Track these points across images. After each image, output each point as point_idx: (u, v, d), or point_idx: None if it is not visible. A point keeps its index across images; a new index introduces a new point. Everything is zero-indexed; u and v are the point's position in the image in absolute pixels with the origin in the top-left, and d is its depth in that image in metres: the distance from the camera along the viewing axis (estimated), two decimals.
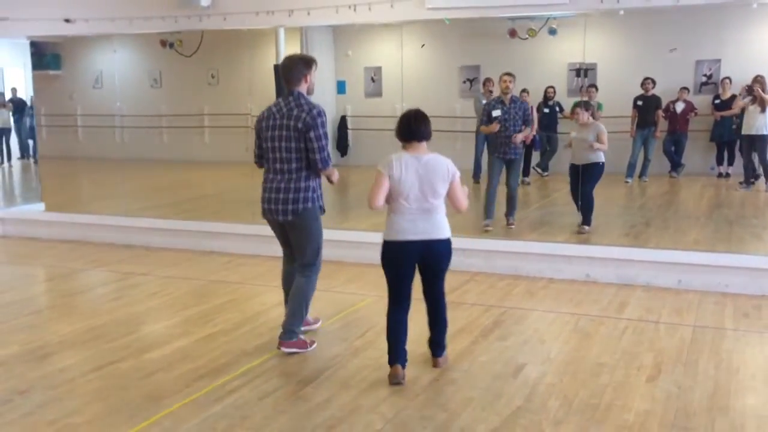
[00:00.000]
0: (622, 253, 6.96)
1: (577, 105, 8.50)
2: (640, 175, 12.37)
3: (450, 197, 4.57)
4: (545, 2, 6.89)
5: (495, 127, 8.35)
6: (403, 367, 4.61)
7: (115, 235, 8.86)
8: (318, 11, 7.65)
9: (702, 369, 4.80)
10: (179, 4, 8.14)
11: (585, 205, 8.16)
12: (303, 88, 4.99)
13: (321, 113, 4.89)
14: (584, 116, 8.22)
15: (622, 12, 7.04)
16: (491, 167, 8.61)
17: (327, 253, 7.69)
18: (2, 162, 11.13)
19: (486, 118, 8.55)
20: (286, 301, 5.28)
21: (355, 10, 7.45)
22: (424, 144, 4.55)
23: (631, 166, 12.26)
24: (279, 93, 12.22)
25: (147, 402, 4.38)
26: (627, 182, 12.10)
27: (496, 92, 12.13)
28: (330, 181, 5.18)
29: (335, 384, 4.60)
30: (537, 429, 3.98)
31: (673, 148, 12.45)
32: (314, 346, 5.20)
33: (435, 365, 4.81)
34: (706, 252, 6.93)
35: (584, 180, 8.19)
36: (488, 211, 8.41)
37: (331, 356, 5.07)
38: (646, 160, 12.40)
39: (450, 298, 6.39)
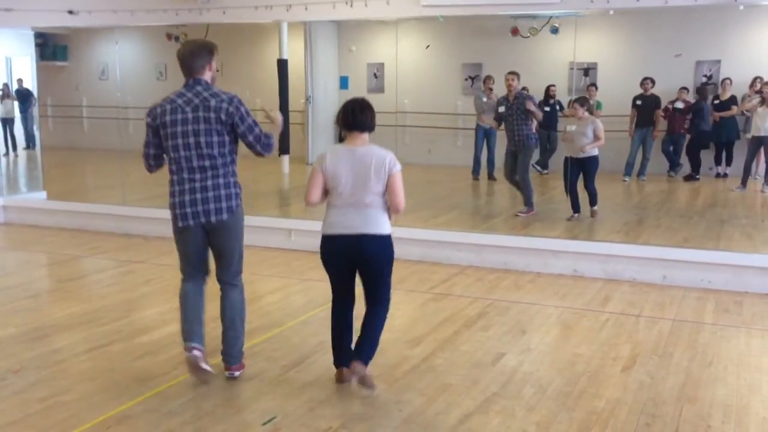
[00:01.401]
0: (608, 249, 7.08)
1: (574, 101, 8.74)
2: (639, 174, 12.47)
3: (388, 194, 4.26)
4: (537, 1, 6.98)
5: (494, 124, 9.05)
6: (348, 366, 4.32)
7: (114, 224, 9.02)
8: (316, 6, 7.78)
9: (676, 361, 4.92)
10: None
11: (592, 194, 8.68)
12: (208, 76, 4.40)
13: (240, 100, 4.38)
14: (580, 111, 8.48)
15: (611, 12, 7.14)
16: (504, 162, 9.37)
17: (317, 244, 7.89)
18: (7, 152, 11.30)
19: (495, 114, 9.40)
20: (190, 323, 4.47)
21: (351, 5, 7.57)
22: (365, 135, 4.29)
23: (629, 165, 12.36)
24: (283, 87, 12.41)
25: (135, 382, 4.52)
26: (625, 181, 12.20)
27: (497, 90, 12.31)
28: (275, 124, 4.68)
29: (318, 368, 4.73)
30: (509, 414, 4.11)
31: (671, 148, 12.53)
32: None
33: (350, 369, 4.29)
34: (690, 249, 7.04)
35: (587, 174, 8.61)
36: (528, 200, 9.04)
37: (316, 342, 5.20)
38: (645, 159, 12.49)
39: (438, 289, 6.59)
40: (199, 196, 4.33)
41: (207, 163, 4.32)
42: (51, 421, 4.01)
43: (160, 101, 4.39)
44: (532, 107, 9.01)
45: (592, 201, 8.73)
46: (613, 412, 4.13)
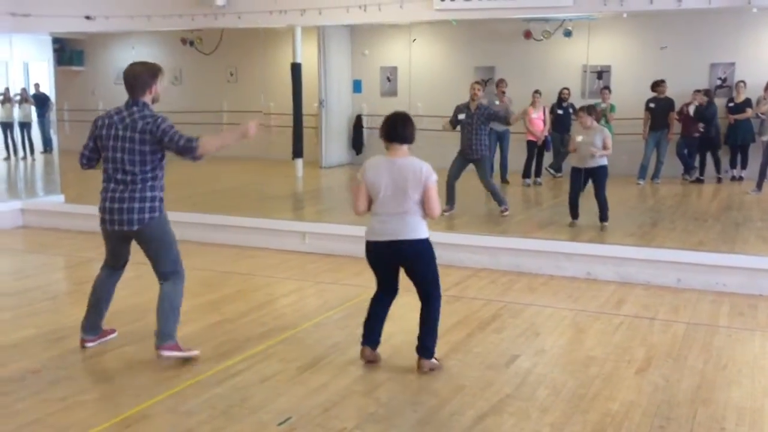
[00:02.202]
0: (622, 252, 7.09)
1: (581, 109, 8.59)
2: (653, 177, 12.44)
3: (424, 201, 4.56)
4: (549, 4, 7.01)
5: (448, 126, 9.23)
6: (373, 349, 4.83)
7: None
8: (329, 11, 7.85)
9: (690, 364, 4.93)
10: (196, 2, 8.38)
11: (602, 206, 8.46)
12: (147, 98, 4.76)
13: (165, 119, 4.72)
14: (588, 120, 8.33)
15: (625, 15, 7.17)
16: (452, 163, 9.37)
17: (338, 247, 8.01)
18: (25, 155, 11.44)
19: (452, 117, 9.29)
20: (91, 310, 5.14)
21: (365, 10, 7.64)
22: (405, 147, 4.61)
23: (643, 168, 12.35)
24: (296, 91, 12.46)
25: (152, 383, 4.58)
26: (639, 184, 12.19)
27: (509, 93, 12.33)
28: (228, 142, 4.96)
29: (333, 369, 4.78)
30: (524, 415, 4.13)
31: (686, 151, 12.50)
32: (194, 352, 4.97)
33: (419, 367, 4.73)
34: (705, 252, 7.03)
35: (596, 184, 8.44)
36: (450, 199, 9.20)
37: (331, 344, 5.25)
38: (659, 162, 12.47)
39: (451, 292, 6.62)
40: (117, 206, 4.78)
41: (128, 177, 4.74)
42: (70, 420, 4.07)
43: (104, 114, 4.85)
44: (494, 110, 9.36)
45: (603, 215, 8.46)
46: (627, 414, 4.15)
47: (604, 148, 8.25)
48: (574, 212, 8.65)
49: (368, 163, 4.68)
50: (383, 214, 4.60)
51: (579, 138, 8.36)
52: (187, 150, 4.67)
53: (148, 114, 4.73)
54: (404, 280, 4.81)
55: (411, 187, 4.52)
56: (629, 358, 5.02)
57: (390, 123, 4.61)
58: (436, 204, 4.60)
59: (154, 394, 4.39)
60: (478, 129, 9.05)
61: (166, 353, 4.85)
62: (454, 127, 9.30)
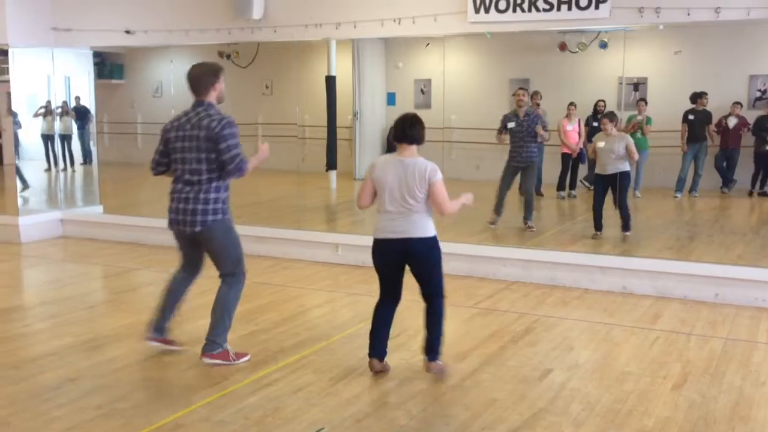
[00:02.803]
0: (658, 266, 6.98)
1: (604, 116, 8.65)
2: (690, 190, 12.26)
3: (432, 200, 4.65)
4: (586, 17, 6.97)
5: (499, 138, 9.25)
6: (381, 360, 4.84)
7: (168, 238, 9.08)
8: (364, 24, 7.90)
9: (728, 380, 4.84)
10: (233, 16, 8.49)
11: (624, 214, 8.43)
12: (212, 97, 4.87)
13: (231, 123, 4.77)
14: (609, 126, 8.39)
15: (661, 27, 7.08)
16: (504, 173, 9.35)
17: (368, 259, 7.88)
18: (65, 167, 11.67)
19: (500, 127, 9.35)
20: (164, 306, 5.21)
21: (399, 23, 7.67)
22: (413, 147, 4.70)
23: (681, 181, 12.17)
24: (330, 103, 12.56)
25: (187, 392, 4.64)
26: (676, 197, 12.02)
27: (544, 106, 12.27)
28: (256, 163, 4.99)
29: (365, 381, 4.79)
30: (556, 430, 4.10)
31: (724, 164, 12.31)
32: (244, 359, 5.09)
33: (426, 369, 4.82)
34: (743, 266, 6.90)
35: (619, 190, 8.42)
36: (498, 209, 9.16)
37: (363, 356, 5.23)
38: (697, 175, 12.28)
39: (484, 304, 6.60)
40: (182, 206, 4.87)
41: (194, 177, 4.82)
42: (106, 427, 4.14)
43: (173, 118, 4.95)
44: (540, 131, 9.11)
45: (625, 225, 8.42)
46: (662, 430, 4.08)
47: (629, 154, 8.25)
48: (598, 223, 8.60)
49: (377, 161, 4.79)
50: (390, 212, 4.68)
51: (601, 144, 8.38)
52: (236, 168, 4.76)
53: (214, 113, 4.80)
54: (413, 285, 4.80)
55: (417, 185, 4.60)
56: (665, 373, 4.95)
57: (399, 124, 4.71)
58: (446, 200, 4.65)
59: (188, 404, 4.44)
60: (528, 136, 9.08)
61: (208, 360, 4.97)
62: (503, 137, 9.33)
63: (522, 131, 9.10)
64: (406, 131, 4.68)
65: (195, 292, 7.00)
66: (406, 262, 4.75)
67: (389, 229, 4.69)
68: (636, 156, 8.38)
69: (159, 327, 5.22)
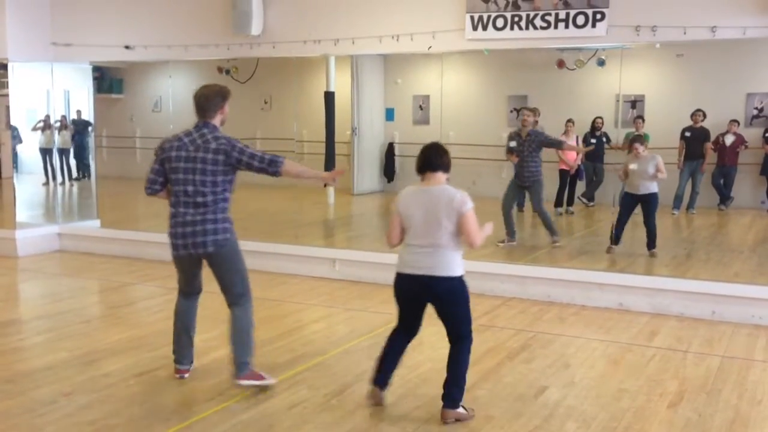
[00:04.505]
0: (655, 283, 6.99)
1: (632, 141, 8.76)
2: (688, 207, 12.28)
3: (462, 232, 4.30)
4: (583, 35, 7.02)
5: (512, 158, 9.28)
6: (381, 389, 4.55)
7: (165, 253, 9.13)
8: (362, 40, 7.94)
9: (725, 398, 4.82)
10: (232, 32, 8.54)
11: (651, 233, 8.56)
12: (217, 120, 4.78)
13: (238, 141, 4.73)
14: (641, 149, 8.57)
15: (658, 45, 7.13)
16: (506, 190, 9.46)
17: (367, 274, 8.03)
18: (63, 181, 11.66)
19: (506, 146, 9.49)
20: (179, 338, 5.12)
21: (398, 40, 7.72)
22: (439, 174, 4.39)
23: (678, 198, 12.19)
24: (328, 119, 12.62)
25: (181, 407, 4.63)
26: (674, 214, 12.03)
27: (542, 122, 12.32)
28: (311, 177, 5.08)
29: (360, 398, 4.76)
30: None
31: (722, 181, 12.34)
32: (271, 381, 4.92)
33: (441, 418, 4.38)
34: (740, 284, 6.90)
35: (647, 211, 8.58)
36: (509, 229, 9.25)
37: (359, 372, 5.24)
38: (694, 192, 12.31)
39: (481, 321, 6.58)
40: (189, 229, 4.72)
41: (200, 199, 4.69)
42: None
43: (171, 137, 4.81)
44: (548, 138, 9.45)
45: (651, 243, 8.53)
46: None
47: (659, 171, 8.41)
48: (618, 238, 8.68)
49: (403, 192, 4.48)
50: (415, 246, 4.34)
51: (632, 166, 8.49)
52: (273, 164, 4.69)
53: (221, 135, 4.73)
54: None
55: (444, 217, 4.25)
56: (661, 391, 4.93)
57: (424, 153, 4.44)
58: (476, 232, 4.28)
59: (182, 419, 4.42)
60: (530, 156, 9.15)
61: (245, 382, 4.81)
62: (511, 155, 9.39)
63: (523, 151, 9.18)
64: (431, 159, 4.38)
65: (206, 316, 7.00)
66: (428, 301, 4.40)
67: (413, 264, 4.33)
68: (665, 174, 8.49)
69: (188, 355, 5.15)
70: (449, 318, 4.41)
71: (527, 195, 9.58)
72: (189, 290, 5.11)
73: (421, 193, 4.38)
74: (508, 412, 4.56)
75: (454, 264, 4.31)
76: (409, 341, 4.62)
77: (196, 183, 4.68)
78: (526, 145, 9.17)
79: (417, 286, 4.35)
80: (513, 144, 9.28)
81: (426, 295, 4.37)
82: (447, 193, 4.31)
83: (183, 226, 4.73)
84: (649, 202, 8.58)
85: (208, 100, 4.76)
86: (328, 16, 8.19)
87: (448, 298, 4.34)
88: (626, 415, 4.52)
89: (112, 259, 9.44)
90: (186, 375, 5.10)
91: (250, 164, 4.69)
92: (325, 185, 5.06)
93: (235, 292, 4.89)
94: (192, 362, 5.19)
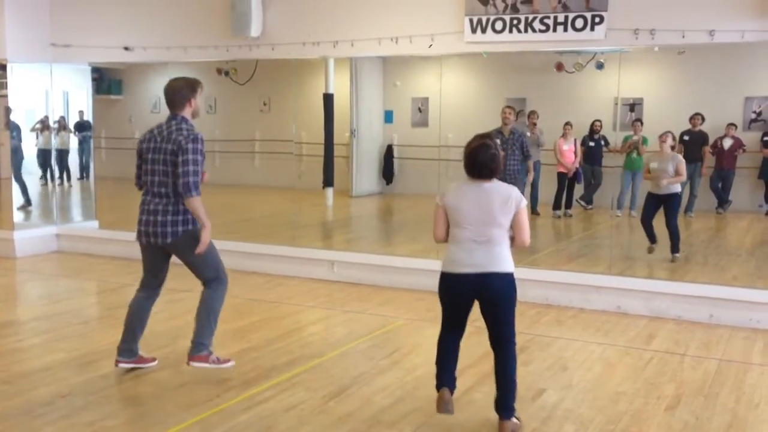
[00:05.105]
0: (653, 286, 7.00)
1: (664, 134, 8.92)
2: (686, 211, 12.27)
3: (514, 229, 4.18)
4: (581, 38, 7.03)
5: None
6: (451, 392, 4.33)
7: None
8: (361, 43, 7.95)
9: (722, 401, 4.83)
10: (231, 34, 8.53)
11: (674, 235, 8.53)
12: (187, 112, 4.87)
13: (197, 139, 4.72)
14: (666, 146, 8.65)
15: (656, 48, 7.15)
16: None
17: (366, 276, 8.03)
18: (62, 182, 11.65)
19: None
20: (131, 329, 5.13)
21: (397, 42, 7.73)
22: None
23: None
24: (327, 121, 12.63)
25: (179, 409, 4.61)
26: None
27: (540, 125, 12.34)
28: (199, 220, 4.78)
29: (358, 400, 4.77)
30: None
31: (720, 185, 12.35)
32: (228, 364, 5.07)
33: (500, 430, 4.25)
34: (738, 287, 6.91)
35: (668, 211, 8.59)
36: None
37: (357, 374, 5.24)
38: (692, 195, 12.30)
39: (478, 323, 6.53)
40: (152, 218, 4.85)
41: (162, 190, 4.82)
42: None
43: (148, 131, 4.96)
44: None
45: (674, 247, 8.50)
46: None
47: (677, 174, 8.45)
48: (651, 236, 8.70)
49: (450, 187, 4.29)
50: (467, 241, 4.14)
51: (653, 164, 8.51)
52: (185, 187, 4.67)
53: (185, 127, 4.80)
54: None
55: (499, 212, 4.11)
56: (659, 394, 4.94)
57: (474, 156, 4.18)
58: (528, 231, 4.20)
59: (180, 421, 4.41)
60: (512, 155, 9.16)
61: (195, 364, 4.95)
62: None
63: (506, 149, 9.11)
64: (486, 165, 4.14)
65: (183, 310, 7.00)
66: (478, 299, 4.23)
67: (466, 262, 4.12)
68: (683, 177, 8.56)
69: (129, 349, 5.16)
70: (500, 318, 4.23)
71: None
72: (150, 282, 5.20)
73: (473, 187, 4.19)
74: None
75: (507, 260, 4.17)
76: (460, 338, 4.43)
77: (160, 173, 4.80)
78: (510, 143, 9.15)
79: (471, 285, 4.15)
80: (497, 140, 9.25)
81: (478, 294, 4.18)
82: (502, 188, 4.19)
83: (147, 214, 4.88)
84: (670, 202, 8.57)
85: (175, 93, 4.85)
86: (328, 18, 8.20)
87: (502, 297, 4.17)
88: (623, 418, 4.53)
89: (110, 260, 9.44)
90: (123, 365, 5.14)
91: (177, 173, 4.70)
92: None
93: (206, 278, 5.04)
94: (136, 356, 5.18)
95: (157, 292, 5.26)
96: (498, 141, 9.01)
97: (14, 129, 10.32)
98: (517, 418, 4.31)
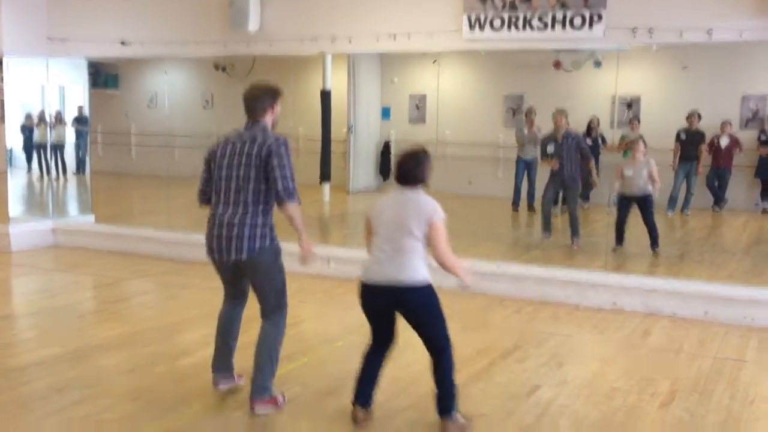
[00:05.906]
0: (648, 283, 7.02)
1: (636, 141, 9.00)
2: (682, 209, 12.31)
3: (429, 242, 3.99)
4: (580, 36, 7.03)
5: (553, 164, 9.28)
6: (364, 409, 4.26)
7: (160, 249, 9.22)
8: (359, 39, 7.95)
9: (717, 398, 4.84)
10: (229, 29, 8.53)
11: (652, 231, 8.71)
12: (268, 120, 4.48)
13: (286, 143, 4.36)
14: (639, 155, 8.77)
15: (654, 47, 7.15)
16: (545, 189, 9.56)
17: (360, 273, 7.98)
18: (57, 176, 11.65)
19: (541, 152, 9.60)
20: (219, 347, 4.77)
21: (395, 39, 7.72)
22: (418, 187, 4.11)
23: (673, 200, 12.21)
24: (326, 117, 12.62)
25: (175, 403, 4.62)
26: (668, 215, 12.06)
27: (539, 123, 12.34)
28: (296, 229, 4.48)
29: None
30: None
31: (716, 183, 12.38)
32: (285, 399, 4.61)
33: (441, 429, 4.19)
34: (733, 285, 6.93)
35: (644, 211, 8.74)
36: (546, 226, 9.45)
37: (352, 369, 5.19)
38: (689, 193, 12.33)
39: (475, 320, 6.58)
40: (225, 232, 4.35)
41: (240, 197, 4.34)
42: None
43: (222, 140, 4.50)
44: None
45: (654, 242, 8.64)
46: None
47: (651, 180, 8.59)
48: (620, 237, 8.81)
49: (381, 197, 4.25)
50: (379, 251, 4.05)
51: (627, 172, 8.72)
52: (285, 192, 4.31)
53: (271, 134, 4.41)
54: None
55: (412, 220, 3.96)
56: (653, 390, 4.95)
57: (401, 164, 4.13)
58: (445, 247, 3.96)
59: (176, 415, 4.42)
60: (569, 158, 9.20)
61: (261, 409, 4.45)
62: (549, 159, 9.39)
63: (562, 154, 9.20)
64: (412, 172, 4.07)
65: (180, 306, 7.00)
66: (396, 311, 4.11)
67: (375, 271, 4.03)
68: (658, 183, 8.68)
69: (226, 366, 4.77)
70: (421, 330, 4.11)
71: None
72: (232, 295, 4.76)
73: (393, 196, 4.13)
74: (500, 410, 4.57)
75: (418, 271, 3.99)
76: (387, 353, 4.32)
77: (238, 178, 4.33)
78: (565, 147, 9.20)
79: (381, 296, 4.05)
80: (550, 148, 9.32)
81: (392, 307, 4.08)
82: (422, 199, 4.06)
83: (220, 227, 4.37)
84: (644, 202, 8.68)
85: (257, 100, 4.46)
86: (326, 14, 8.20)
87: (416, 310, 4.05)
88: (618, 414, 4.54)
89: (106, 254, 9.42)
90: (222, 386, 4.73)
91: (271, 173, 4.30)
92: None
93: (268, 306, 4.53)
94: (230, 373, 4.77)
95: (243, 302, 4.80)
96: (552, 147, 9.08)
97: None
98: (463, 417, 4.22)
